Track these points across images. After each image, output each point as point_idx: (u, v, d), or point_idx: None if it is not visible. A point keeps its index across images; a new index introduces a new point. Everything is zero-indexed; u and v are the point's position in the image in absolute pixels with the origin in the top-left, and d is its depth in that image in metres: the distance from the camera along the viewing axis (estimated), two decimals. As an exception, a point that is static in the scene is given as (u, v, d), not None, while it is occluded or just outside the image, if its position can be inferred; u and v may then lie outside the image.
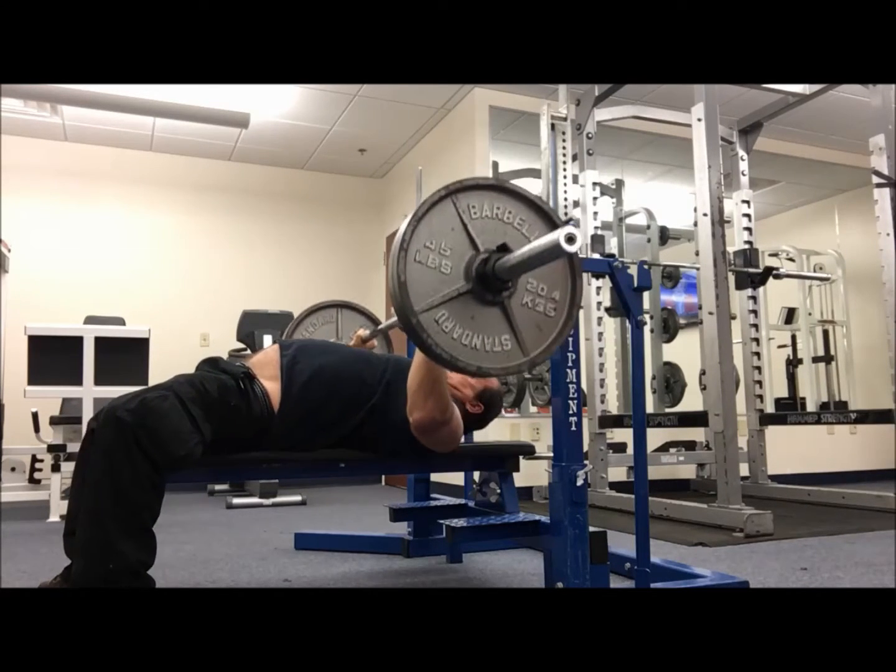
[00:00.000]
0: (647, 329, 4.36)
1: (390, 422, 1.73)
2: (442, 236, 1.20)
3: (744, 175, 4.23)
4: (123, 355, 3.50)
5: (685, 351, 4.63)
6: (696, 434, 4.47)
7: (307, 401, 1.70)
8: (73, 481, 1.59)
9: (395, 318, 2.25)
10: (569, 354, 1.53)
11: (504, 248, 1.23)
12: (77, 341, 3.41)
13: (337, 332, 2.50)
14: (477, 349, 1.22)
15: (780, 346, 5.64)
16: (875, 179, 3.37)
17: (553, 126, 3.92)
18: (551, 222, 1.30)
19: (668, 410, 4.30)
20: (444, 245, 1.20)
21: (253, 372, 1.69)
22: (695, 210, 3.21)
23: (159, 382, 1.57)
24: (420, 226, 1.18)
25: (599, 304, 3.85)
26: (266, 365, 1.74)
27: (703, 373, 4.07)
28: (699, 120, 3.18)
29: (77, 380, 3.40)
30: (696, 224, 3.22)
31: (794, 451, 4.85)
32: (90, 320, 4.35)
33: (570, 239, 1.06)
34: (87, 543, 1.40)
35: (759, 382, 4.17)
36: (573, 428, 1.52)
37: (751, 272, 3.84)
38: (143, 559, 1.41)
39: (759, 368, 4.19)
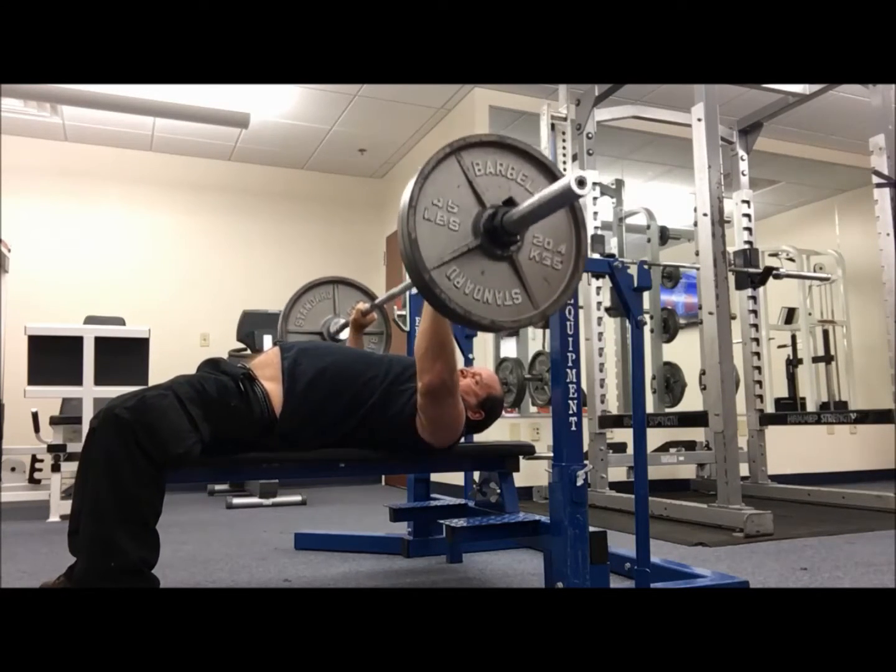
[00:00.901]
0: (647, 329, 4.36)
1: (391, 421, 1.73)
2: (448, 193, 1.21)
3: (744, 175, 4.23)
4: (123, 355, 3.50)
5: (685, 351, 4.63)
6: (696, 434, 4.47)
7: (310, 402, 1.70)
8: (76, 481, 1.59)
9: (393, 290, 2.25)
10: (569, 354, 1.53)
11: (510, 203, 1.24)
12: (77, 341, 3.41)
13: (334, 307, 2.50)
14: (489, 303, 1.22)
15: (780, 346, 5.64)
16: (875, 179, 3.37)
17: (553, 126, 3.92)
18: (553, 177, 1.31)
19: (668, 410, 4.30)
20: (452, 202, 1.21)
21: (253, 373, 1.69)
22: (695, 210, 3.21)
23: (159, 383, 1.57)
24: (426, 183, 1.19)
25: (599, 304, 3.85)
26: (267, 366, 1.75)
27: (703, 373, 4.08)
28: (699, 120, 3.18)
29: (77, 380, 3.40)
30: (696, 224, 3.22)
31: (794, 451, 4.85)
32: (90, 320, 4.35)
33: (581, 182, 1.07)
34: (88, 542, 1.40)
35: (759, 382, 4.17)
36: (573, 428, 1.52)
37: (751, 272, 3.84)
38: (146, 557, 1.41)
39: (759, 368, 4.19)
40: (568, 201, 1.20)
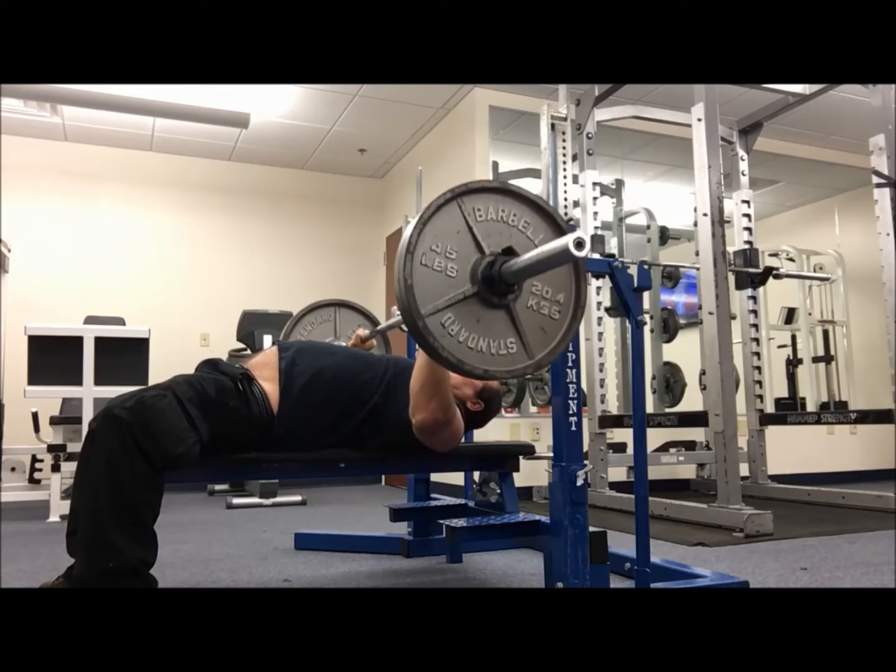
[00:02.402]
0: (647, 329, 4.36)
1: (390, 422, 1.73)
2: (448, 239, 1.20)
3: (744, 175, 4.23)
4: (123, 355, 3.50)
5: (685, 351, 4.63)
6: (696, 434, 4.47)
7: (306, 402, 1.70)
8: (74, 481, 1.59)
9: (394, 319, 2.25)
10: (569, 354, 1.53)
11: (510, 251, 1.24)
12: (77, 341, 3.41)
13: (335, 330, 2.50)
14: (483, 352, 1.22)
15: (780, 346, 5.63)
16: (875, 179, 3.37)
17: (553, 126, 3.92)
18: (556, 225, 1.30)
19: (668, 410, 4.30)
20: (450, 248, 1.20)
21: (252, 373, 1.69)
22: (695, 210, 3.21)
23: (157, 383, 1.57)
24: (426, 229, 1.19)
25: (599, 304, 3.85)
26: (265, 366, 1.74)
27: (703, 373, 4.07)
28: (699, 120, 3.18)
29: (77, 380, 3.40)
30: (696, 224, 3.21)
31: (794, 451, 4.85)
32: (90, 320, 4.35)
33: (580, 244, 1.06)
34: (86, 543, 1.40)
35: (759, 382, 4.17)
36: (573, 428, 1.52)
37: (751, 272, 3.84)
38: (144, 557, 1.41)
39: (759, 368, 4.19)
40: (566, 261, 1.19)
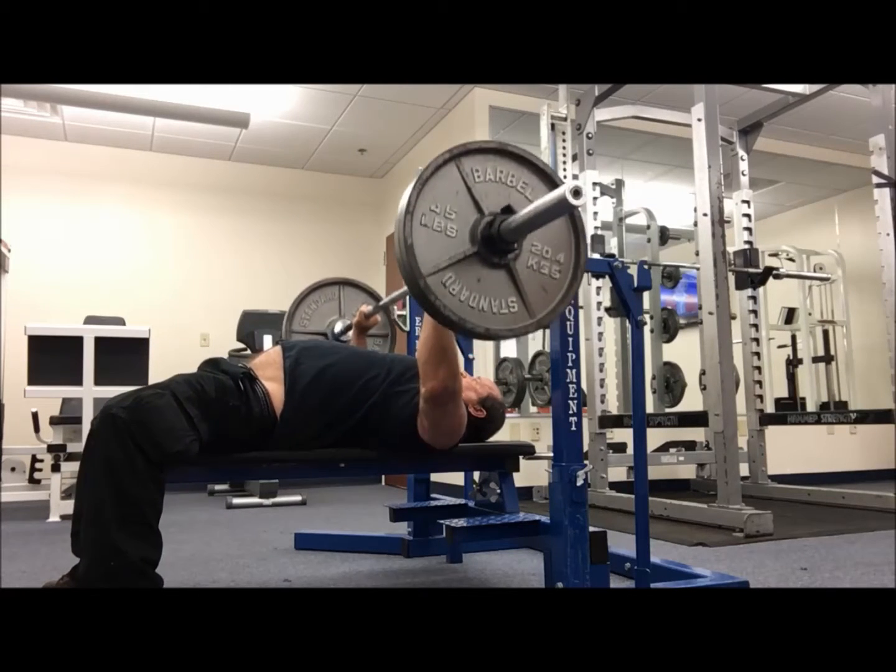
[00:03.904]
0: (647, 329, 4.36)
1: (391, 421, 1.73)
2: (446, 199, 1.20)
3: (744, 175, 4.23)
4: (123, 355, 3.50)
5: (685, 351, 4.63)
6: (696, 434, 4.47)
7: (310, 402, 1.70)
8: (77, 482, 1.59)
9: (396, 293, 2.25)
10: (569, 354, 1.53)
11: (508, 210, 1.24)
12: (77, 341, 3.41)
13: (339, 309, 2.49)
14: (484, 311, 1.22)
15: (780, 346, 5.64)
16: (875, 179, 3.37)
17: (553, 126, 3.92)
18: (553, 184, 1.30)
19: (668, 410, 4.30)
20: (449, 208, 1.20)
21: (254, 373, 1.69)
22: (695, 210, 3.21)
23: (157, 382, 1.57)
24: (425, 189, 1.18)
25: (599, 304, 3.85)
26: (268, 366, 1.74)
27: (703, 373, 4.07)
28: (699, 120, 3.18)
29: (77, 380, 3.40)
30: (696, 224, 3.22)
31: (794, 451, 4.85)
32: (90, 320, 4.35)
33: (577, 192, 1.06)
34: (90, 543, 1.41)
35: (759, 382, 4.17)
36: (573, 428, 1.52)
37: (751, 272, 3.84)
38: (147, 556, 1.41)
39: (759, 368, 4.19)
40: (564, 211, 1.19)
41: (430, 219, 1.18)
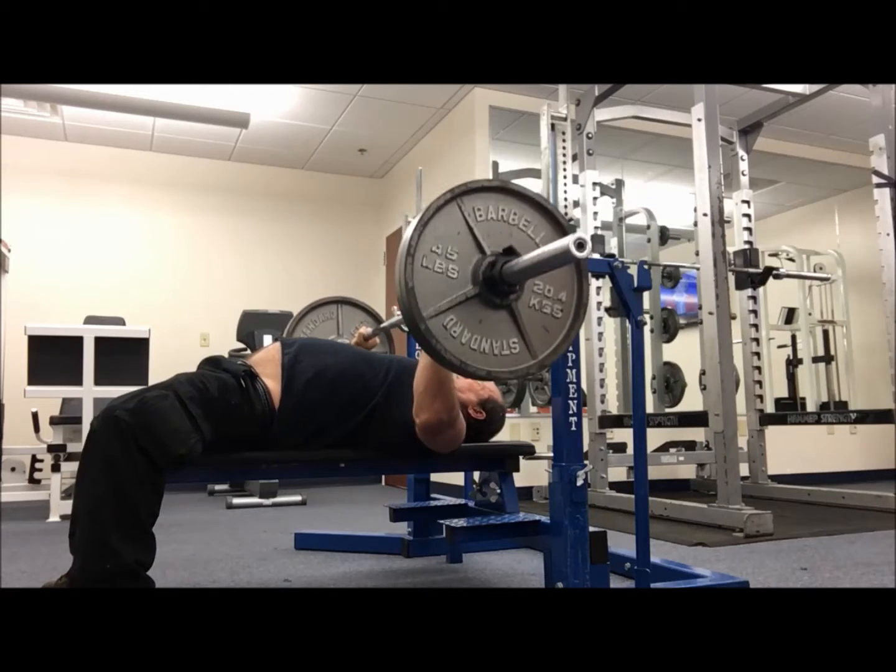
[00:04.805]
0: (647, 329, 4.36)
1: (392, 422, 1.73)
2: (448, 240, 1.20)
3: (744, 175, 4.23)
4: (123, 355, 3.50)
5: (685, 351, 4.63)
6: (696, 434, 4.47)
7: (308, 400, 1.70)
8: (76, 482, 1.59)
9: (396, 318, 2.25)
10: (569, 354, 1.53)
11: (510, 251, 1.23)
12: (77, 341, 3.41)
13: (338, 328, 2.49)
14: (486, 353, 1.22)
15: (780, 346, 5.63)
16: (875, 179, 3.37)
17: (553, 126, 3.92)
18: (556, 223, 1.30)
19: (668, 410, 4.30)
20: (451, 249, 1.20)
21: (254, 370, 1.69)
22: (695, 210, 3.20)
23: (159, 382, 1.57)
24: (426, 230, 1.18)
25: (599, 304, 3.85)
26: (267, 363, 1.74)
27: (703, 373, 4.07)
28: (699, 120, 3.18)
29: (77, 380, 3.40)
30: (696, 224, 3.21)
31: (794, 451, 4.85)
32: (90, 320, 4.35)
33: (581, 245, 1.06)
34: (85, 543, 1.40)
35: (759, 382, 4.17)
36: (573, 428, 1.52)
37: (751, 272, 3.84)
38: (141, 559, 1.41)
39: (759, 368, 4.18)
40: (567, 262, 1.18)
41: (432, 260, 1.18)
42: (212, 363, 1.71)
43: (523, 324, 1.25)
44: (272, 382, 1.70)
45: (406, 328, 2.56)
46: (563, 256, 1.10)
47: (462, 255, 1.21)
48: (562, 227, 1.30)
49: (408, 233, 1.17)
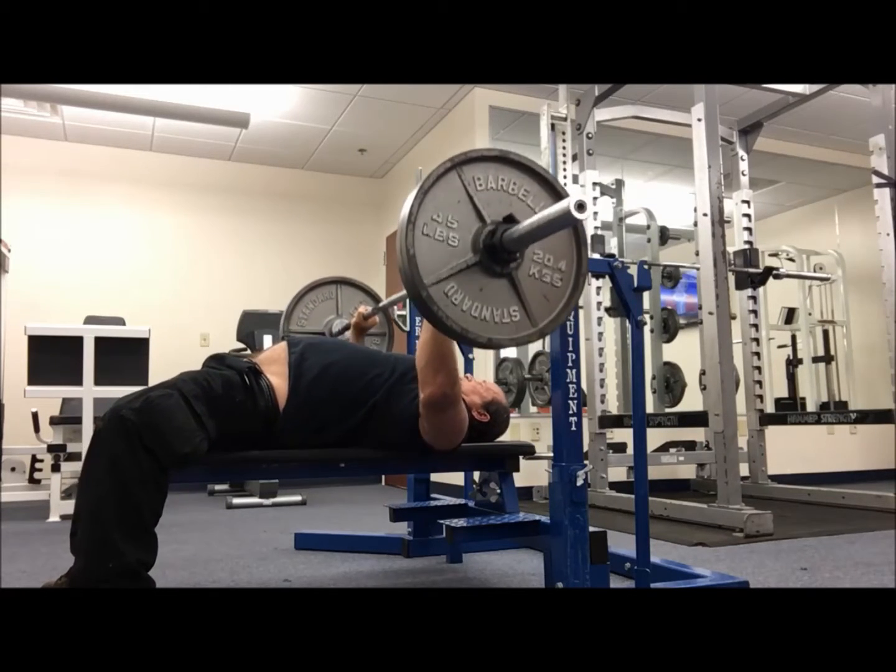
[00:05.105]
0: (647, 329, 4.36)
1: (392, 420, 1.73)
2: (448, 209, 1.20)
3: (744, 175, 4.23)
4: (123, 355, 3.50)
5: (685, 351, 4.63)
6: (696, 434, 4.47)
7: (313, 398, 1.70)
8: (79, 481, 1.59)
9: (396, 296, 2.25)
10: (569, 354, 1.53)
11: (510, 219, 1.23)
12: (77, 341, 3.41)
13: (336, 308, 2.49)
14: (486, 321, 1.22)
15: (780, 346, 5.63)
16: (875, 179, 3.37)
17: (553, 126, 3.92)
18: (555, 192, 1.30)
19: (668, 410, 4.30)
20: (451, 217, 1.20)
21: (259, 367, 1.70)
22: (695, 210, 3.21)
23: (164, 380, 1.57)
24: (426, 198, 1.18)
25: (599, 304, 3.85)
26: (274, 361, 1.75)
27: (703, 373, 4.07)
28: (699, 120, 3.18)
29: (77, 380, 3.40)
30: (696, 224, 3.22)
31: (794, 451, 4.85)
32: (90, 320, 4.35)
33: (581, 206, 1.06)
34: (87, 543, 1.40)
35: (759, 382, 4.17)
36: (573, 428, 1.52)
37: (751, 272, 3.84)
38: (143, 559, 1.41)
39: (759, 368, 4.18)
40: (567, 224, 1.19)
41: (432, 228, 1.18)
42: (216, 360, 1.72)
43: (523, 292, 1.25)
44: (278, 381, 1.70)
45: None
46: (563, 218, 1.10)
47: (462, 224, 1.21)
48: (560, 196, 1.30)
49: (408, 201, 1.17)
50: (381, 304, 2.39)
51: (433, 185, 1.19)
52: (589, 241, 3.71)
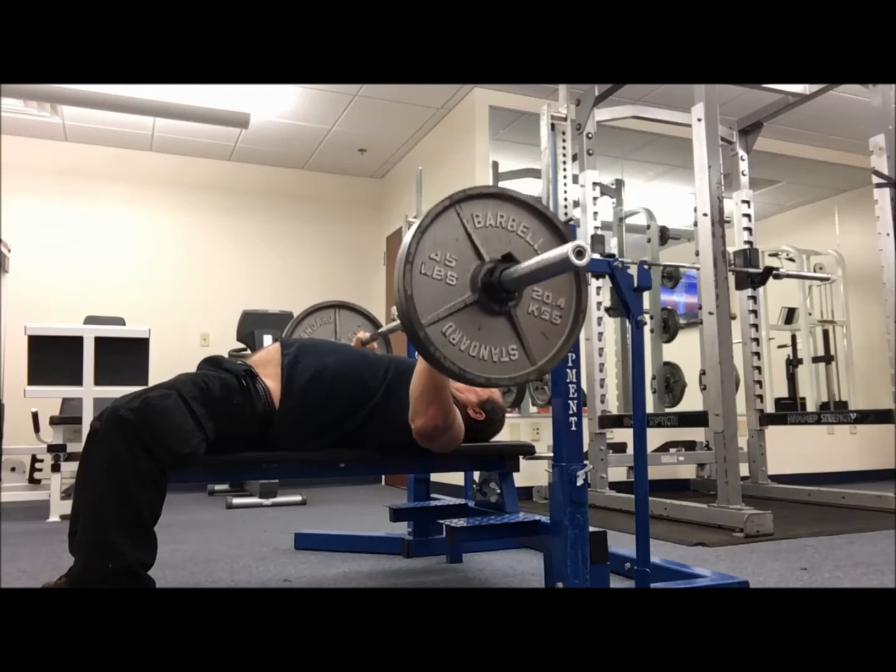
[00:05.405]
0: (647, 329, 4.36)
1: (390, 422, 1.73)
2: (447, 247, 1.20)
3: (744, 175, 4.23)
4: (123, 355, 3.50)
5: (685, 351, 4.63)
6: (696, 434, 4.47)
7: (308, 400, 1.70)
8: (76, 481, 1.59)
9: (394, 323, 2.25)
10: (569, 355, 1.53)
11: (509, 258, 1.23)
12: (77, 341, 3.41)
13: (335, 332, 2.50)
14: (485, 360, 1.22)
15: (780, 346, 5.64)
16: (875, 179, 3.37)
17: (553, 126, 3.92)
18: (555, 229, 1.30)
19: (668, 410, 4.30)
20: (449, 256, 1.20)
21: (255, 370, 1.69)
22: (695, 210, 3.20)
23: (162, 381, 1.57)
24: (425, 237, 1.18)
25: (599, 304, 3.85)
26: (267, 363, 1.74)
27: (703, 373, 4.07)
28: (699, 120, 3.17)
29: (77, 380, 3.40)
30: (696, 224, 3.21)
31: (794, 451, 4.85)
32: (90, 320, 4.35)
33: (580, 253, 1.06)
34: (86, 542, 1.40)
35: (759, 382, 4.17)
36: (573, 428, 1.52)
37: (751, 272, 3.84)
38: (143, 559, 1.41)
39: (759, 368, 4.18)
40: (566, 270, 1.18)
41: (430, 267, 1.18)
42: (212, 363, 1.71)
43: (522, 330, 1.25)
44: (272, 383, 1.70)
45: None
46: (563, 264, 1.10)
47: (461, 262, 1.21)
48: (560, 233, 1.30)
49: (406, 239, 1.17)
50: (380, 331, 2.39)
51: (431, 223, 1.19)
52: (588, 238, 3.71)
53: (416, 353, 2.32)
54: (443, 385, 1.62)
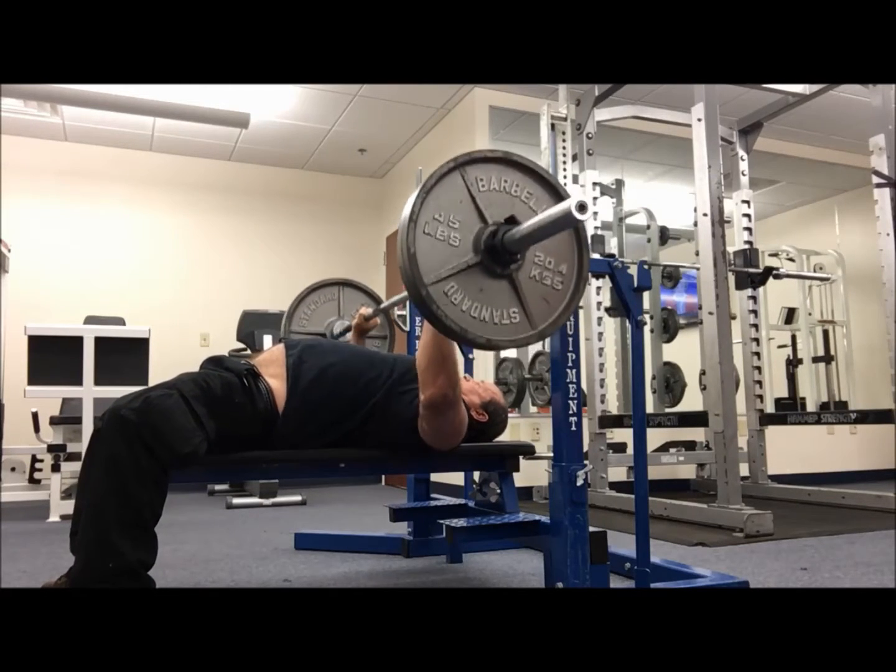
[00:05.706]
0: (647, 329, 4.36)
1: (392, 420, 1.73)
2: (450, 208, 1.20)
3: (744, 175, 4.23)
4: (123, 355, 3.50)
5: (685, 351, 4.63)
6: (696, 434, 4.47)
7: (312, 400, 1.70)
8: (78, 481, 1.59)
9: (396, 297, 2.25)
10: (569, 354, 1.53)
11: (512, 221, 1.24)
12: (77, 341, 3.41)
13: (338, 309, 2.50)
14: (486, 322, 1.22)
15: (780, 346, 5.63)
16: (875, 179, 3.37)
17: (553, 126, 3.92)
18: (558, 195, 1.30)
19: (668, 410, 4.30)
20: (453, 217, 1.20)
21: (258, 369, 1.70)
22: (695, 210, 3.21)
23: (163, 381, 1.57)
24: (429, 198, 1.18)
25: (599, 304, 3.85)
26: (271, 363, 1.75)
27: (703, 373, 4.07)
28: (699, 120, 3.18)
29: (77, 380, 3.40)
30: (696, 224, 3.21)
31: (794, 451, 4.85)
32: (90, 320, 4.35)
33: (582, 207, 1.06)
34: (87, 542, 1.40)
35: (759, 382, 4.17)
36: (573, 428, 1.52)
37: (751, 272, 3.84)
38: (143, 559, 1.41)
39: (759, 368, 4.18)
40: (568, 225, 1.19)
41: (434, 227, 1.18)
42: (214, 362, 1.71)
43: (524, 294, 1.26)
44: (276, 383, 1.70)
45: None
46: (565, 219, 1.10)
47: (464, 224, 1.21)
48: (563, 199, 1.30)
49: (411, 200, 1.17)
50: (381, 306, 2.39)
51: (436, 184, 1.19)
52: (589, 242, 3.72)
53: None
54: (450, 354, 1.62)
